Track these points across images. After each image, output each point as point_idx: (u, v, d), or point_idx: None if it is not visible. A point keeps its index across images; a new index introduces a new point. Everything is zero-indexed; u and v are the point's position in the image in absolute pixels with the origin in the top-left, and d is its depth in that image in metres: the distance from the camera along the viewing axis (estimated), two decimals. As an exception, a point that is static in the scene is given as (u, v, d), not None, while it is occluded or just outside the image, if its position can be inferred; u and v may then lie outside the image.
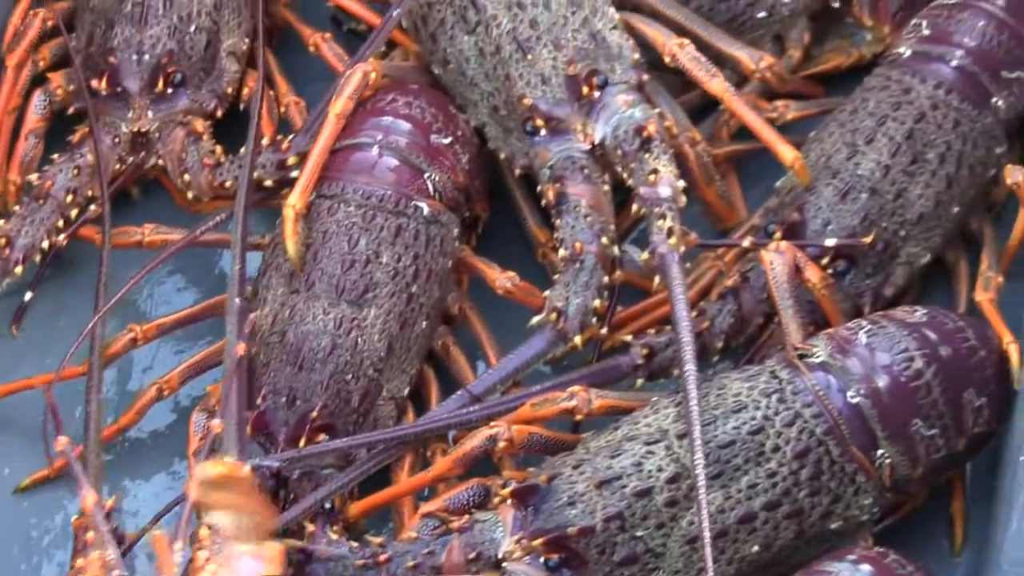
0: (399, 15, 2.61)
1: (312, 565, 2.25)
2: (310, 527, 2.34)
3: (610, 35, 2.59)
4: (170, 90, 2.72)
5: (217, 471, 1.96)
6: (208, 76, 2.76)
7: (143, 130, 2.70)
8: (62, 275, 2.74)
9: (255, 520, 2.01)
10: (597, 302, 2.44)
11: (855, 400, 2.28)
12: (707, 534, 2.17)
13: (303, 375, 2.44)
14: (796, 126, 2.75)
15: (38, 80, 2.79)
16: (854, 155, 2.56)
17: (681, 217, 2.44)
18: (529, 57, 2.55)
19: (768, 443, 2.25)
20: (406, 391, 2.53)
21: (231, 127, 2.79)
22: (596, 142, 2.54)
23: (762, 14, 2.80)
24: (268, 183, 2.62)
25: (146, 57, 2.70)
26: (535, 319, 2.44)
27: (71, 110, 2.76)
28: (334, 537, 2.32)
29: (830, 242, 2.51)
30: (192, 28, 2.74)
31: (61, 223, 2.65)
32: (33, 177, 2.68)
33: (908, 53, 2.68)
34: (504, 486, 2.29)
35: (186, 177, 2.68)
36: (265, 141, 2.63)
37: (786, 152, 2.54)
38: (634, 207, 2.48)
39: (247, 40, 2.83)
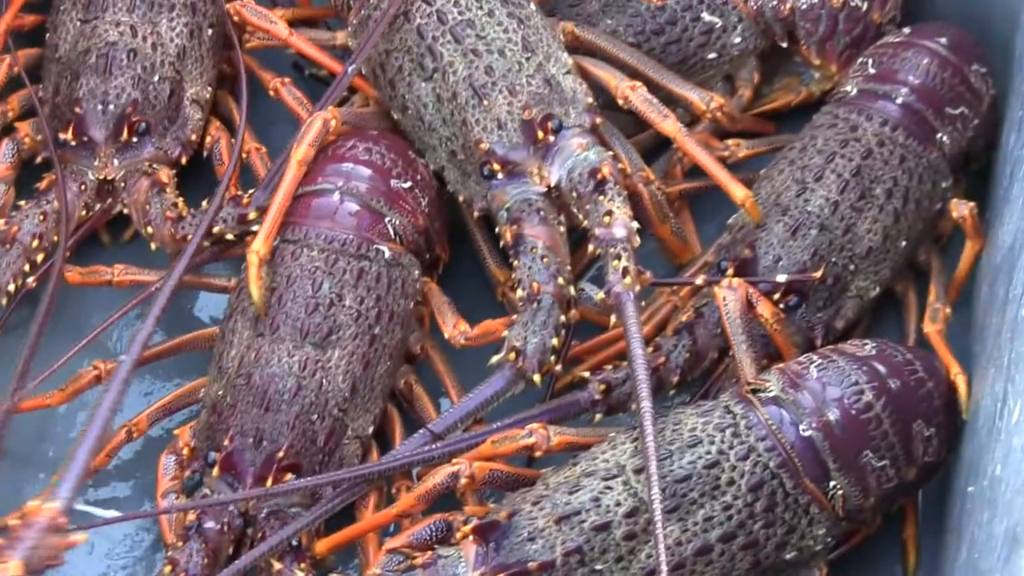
0: (356, 68, 2.63)
1: (280, 602, 2.27)
2: (277, 565, 2.36)
3: (564, 80, 2.61)
4: (135, 139, 2.73)
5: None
6: (172, 124, 2.77)
7: (109, 178, 2.72)
8: (31, 316, 2.74)
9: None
10: (555, 340, 2.44)
11: (807, 433, 2.29)
12: (664, 567, 2.19)
13: (269, 416, 2.46)
14: (748, 161, 2.77)
15: (7, 129, 2.81)
16: (803, 192, 2.59)
17: (636, 255, 2.45)
18: (485, 103, 2.56)
19: (723, 477, 2.26)
20: (370, 430, 2.54)
21: (196, 172, 2.81)
22: (552, 185, 2.55)
23: (712, 55, 2.83)
24: (229, 237, 2.63)
25: (111, 107, 2.72)
26: (495, 358, 2.45)
27: (39, 159, 2.78)
28: (301, 575, 2.34)
29: (781, 278, 2.53)
30: (156, 78, 2.76)
31: (27, 267, 2.68)
32: (0, 223, 2.69)
33: (855, 91, 2.71)
34: (466, 522, 2.29)
35: (149, 229, 2.69)
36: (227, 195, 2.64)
37: (737, 191, 2.56)
38: (590, 247, 2.50)
39: (210, 88, 2.84)
